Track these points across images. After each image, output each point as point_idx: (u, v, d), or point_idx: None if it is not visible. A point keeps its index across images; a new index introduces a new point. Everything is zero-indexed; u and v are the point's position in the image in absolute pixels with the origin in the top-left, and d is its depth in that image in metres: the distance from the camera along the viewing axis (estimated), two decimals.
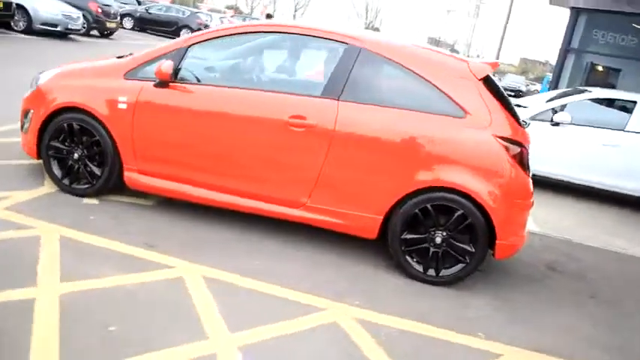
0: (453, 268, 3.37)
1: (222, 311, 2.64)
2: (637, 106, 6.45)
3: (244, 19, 30.73)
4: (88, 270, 2.80)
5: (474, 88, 3.28)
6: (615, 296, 3.85)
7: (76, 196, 3.69)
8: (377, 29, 53.17)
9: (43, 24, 12.46)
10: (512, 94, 28.30)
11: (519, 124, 3.45)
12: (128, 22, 22.23)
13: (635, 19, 11.04)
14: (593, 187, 6.50)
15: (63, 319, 2.35)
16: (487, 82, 3.40)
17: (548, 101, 7.03)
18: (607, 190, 6.49)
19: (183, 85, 3.46)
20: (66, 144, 3.66)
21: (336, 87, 3.32)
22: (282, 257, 3.38)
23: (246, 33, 3.62)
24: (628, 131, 6.34)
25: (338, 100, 3.30)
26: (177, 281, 2.87)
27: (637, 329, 3.41)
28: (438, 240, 3.32)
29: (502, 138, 3.26)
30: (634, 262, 4.75)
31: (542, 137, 6.39)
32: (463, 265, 3.34)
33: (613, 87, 11.50)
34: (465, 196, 3.23)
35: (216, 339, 2.42)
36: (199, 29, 16.73)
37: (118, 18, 17.07)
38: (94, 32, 15.95)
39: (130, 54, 3.77)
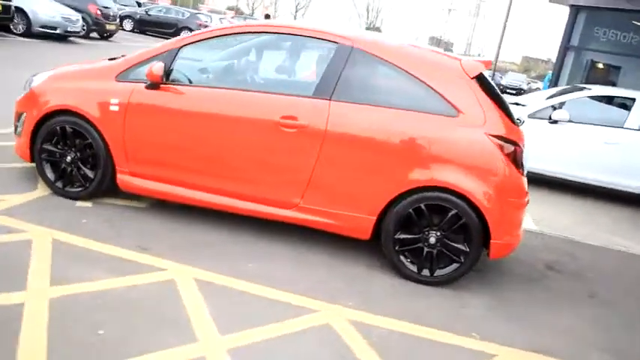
0: (448, 268, 3.34)
1: (213, 314, 2.63)
2: (636, 103, 6.42)
3: (245, 20, 30.73)
4: (79, 273, 2.78)
5: (466, 87, 3.26)
6: (615, 295, 3.82)
7: (70, 199, 3.68)
8: (378, 29, 53.16)
9: (42, 27, 12.48)
10: (514, 92, 28.24)
11: (513, 122, 3.42)
12: (128, 24, 22.27)
13: (635, 16, 10.99)
14: (591, 185, 6.47)
15: (52, 323, 2.33)
16: (480, 80, 3.37)
17: (547, 99, 7.00)
18: (605, 188, 6.46)
19: (174, 86, 3.44)
20: (59, 147, 3.65)
21: (328, 87, 3.30)
22: (275, 258, 3.37)
23: (237, 34, 3.61)
24: (627, 128, 6.30)
25: (329, 100, 3.28)
26: (168, 284, 2.85)
27: (637, 329, 3.37)
28: (432, 240, 3.29)
29: (495, 136, 3.23)
30: (634, 260, 4.72)
31: (540, 135, 6.37)
32: (458, 264, 3.32)
33: (613, 84, 11.44)
34: (459, 195, 3.21)
35: (206, 342, 2.40)
36: None
37: (118, 20, 17.09)
38: (94, 34, 15.98)
39: (123, 56, 3.76)
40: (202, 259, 3.17)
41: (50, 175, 3.70)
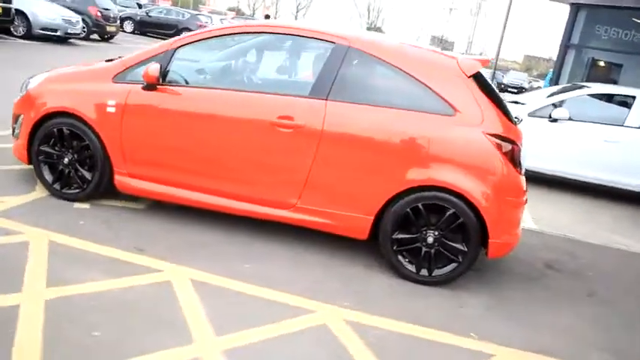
0: (446, 268, 3.33)
1: (209, 314, 2.62)
2: (636, 101, 6.39)
3: (245, 21, 30.72)
4: (75, 275, 2.78)
5: (463, 85, 3.24)
6: (615, 294, 3.80)
7: (68, 200, 3.68)
8: (379, 29, 53.11)
9: (42, 29, 12.52)
10: (515, 91, 28.19)
11: (511, 120, 3.41)
12: (129, 26, 22.31)
13: (636, 14, 10.96)
14: (591, 183, 6.45)
15: (47, 324, 2.33)
16: (477, 78, 3.36)
17: (546, 97, 6.98)
18: (605, 186, 6.44)
19: (170, 87, 3.44)
20: (56, 149, 3.65)
21: (324, 87, 3.29)
22: (272, 259, 3.36)
23: (233, 34, 3.61)
24: (627, 126, 6.28)
25: (326, 99, 3.28)
26: (164, 285, 2.84)
27: (637, 329, 3.35)
28: (430, 239, 3.28)
29: (493, 135, 3.22)
30: (634, 259, 4.70)
31: (540, 134, 6.36)
32: (456, 264, 3.31)
33: (615, 82, 11.42)
34: (456, 194, 3.19)
35: (201, 343, 2.40)
36: None
37: (118, 22, 17.12)
38: (95, 36, 16.01)
39: (119, 57, 3.75)
40: (199, 259, 3.17)
41: (48, 176, 3.70)
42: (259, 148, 3.35)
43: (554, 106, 6.48)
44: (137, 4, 26.35)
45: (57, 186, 3.69)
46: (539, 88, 29.06)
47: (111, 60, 3.82)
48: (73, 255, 3.00)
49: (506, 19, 15.32)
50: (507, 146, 3.24)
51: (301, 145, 3.29)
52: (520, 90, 28.64)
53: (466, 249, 3.26)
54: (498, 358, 2.72)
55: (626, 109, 6.45)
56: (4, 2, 11.05)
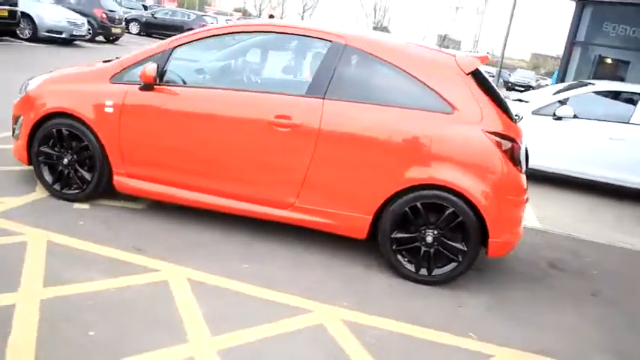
0: (446, 268, 3.30)
1: (206, 314, 2.61)
2: None
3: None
4: (72, 275, 2.78)
5: (461, 83, 3.21)
6: (619, 294, 3.75)
7: (67, 201, 3.69)
8: (385, 29, 53.00)
9: (48, 31, 12.60)
10: (522, 89, 28.00)
11: (511, 118, 3.37)
12: (134, 27, 22.41)
13: None
14: (596, 182, 6.38)
15: (42, 324, 2.33)
16: (476, 76, 3.32)
17: (552, 95, 6.91)
18: (611, 184, 6.36)
19: (167, 87, 3.44)
20: (56, 149, 3.66)
21: (321, 85, 3.27)
22: (271, 259, 3.35)
23: (230, 33, 3.59)
24: (633, 124, 6.20)
25: (323, 98, 3.26)
26: (162, 285, 2.84)
27: None
28: (429, 239, 3.25)
29: (492, 133, 3.18)
30: (639, 258, 4.63)
31: (544, 132, 6.30)
32: (456, 264, 3.27)
33: (622, 80, 11.30)
34: (455, 193, 3.16)
35: (196, 342, 2.39)
36: None
37: (124, 23, 17.21)
38: (100, 38, 16.09)
39: (117, 58, 3.76)
40: (197, 259, 3.16)
41: (48, 177, 3.71)
42: (257, 148, 3.33)
43: (560, 103, 6.41)
44: (143, 5, 26.50)
45: (57, 186, 3.70)
46: (546, 86, 28.88)
47: (108, 61, 3.83)
48: (72, 255, 3.01)
49: (512, 17, 15.21)
50: (507, 144, 3.20)
51: (299, 144, 3.27)
52: (527, 88, 28.42)
53: (466, 248, 3.23)
54: (497, 359, 2.69)
55: (631, 107, 6.37)
56: (10, 5, 11.13)
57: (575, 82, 8.74)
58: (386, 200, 3.25)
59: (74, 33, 13.30)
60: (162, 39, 3.99)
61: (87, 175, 3.64)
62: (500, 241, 3.26)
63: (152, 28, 22.39)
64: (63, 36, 12.99)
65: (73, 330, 2.34)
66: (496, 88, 3.53)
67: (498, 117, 3.25)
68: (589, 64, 11.98)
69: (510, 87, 30.47)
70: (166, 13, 23.55)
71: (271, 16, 25.42)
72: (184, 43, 3.48)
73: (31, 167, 3.79)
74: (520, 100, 7.21)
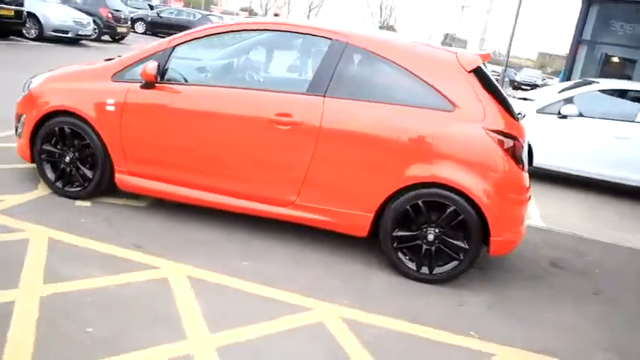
0: (447, 266, 3.28)
1: (205, 312, 2.61)
2: None
3: None
4: (72, 272, 2.79)
5: (463, 81, 3.19)
6: (621, 293, 3.72)
7: (70, 198, 3.71)
8: (392, 28, 52.86)
9: (54, 31, 12.69)
10: (529, 88, 27.85)
11: (513, 116, 3.34)
12: (140, 27, 22.51)
13: None
14: (600, 180, 6.34)
15: (41, 320, 2.34)
16: (478, 73, 3.30)
17: (557, 93, 6.87)
18: (616, 183, 6.32)
19: (168, 85, 3.44)
20: (58, 147, 3.68)
21: (322, 83, 3.26)
22: (271, 256, 3.34)
23: (230, 32, 3.59)
24: (638, 122, 6.15)
25: (324, 96, 3.25)
26: (161, 282, 2.84)
27: None
28: (431, 237, 3.24)
29: (494, 131, 3.16)
30: None
31: (549, 130, 6.26)
32: (457, 262, 3.26)
33: (629, 78, 11.21)
34: (457, 191, 3.14)
35: (195, 339, 2.39)
36: None
37: (129, 23, 17.28)
38: (106, 37, 16.17)
39: (119, 56, 3.77)
40: (197, 257, 3.16)
41: (50, 175, 3.73)
42: (257, 146, 3.33)
43: (566, 101, 6.37)
44: (149, 5, 26.58)
45: (59, 184, 3.71)
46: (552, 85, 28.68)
47: (110, 59, 3.84)
48: (72, 252, 3.02)
49: (517, 16, 15.12)
50: (509, 142, 3.18)
51: (299, 142, 3.26)
52: (534, 87, 28.27)
53: (467, 247, 3.21)
54: (498, 358, 2.67)
55: (637, 105, 6.32)
56: (16, 5, 11.20)
57: (580, 80, 8.67)
58: (387, 198, 3.24)
59: (80, 32, 13.38)
60: None
61: (89, 173, 3.65)
62: (502, 239, 3.24)
63: (158, 28, 22.46)
64: (69, 35, 13.06)
65: (71, 326, 2.34)
66: (498, 85, 3.50)
67: (500, 115, 3.23)
68: (595, 63, 11.89)
69: (516, 86, 30.33)
70: (172, 13, 23.63)
71: (276, 15, 25.45)
72: (185, 42, 3.48)
73: (34, 165, 3.81)
74: (525, 99, 7.17)
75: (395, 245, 3.30)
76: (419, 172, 3.16)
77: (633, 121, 6.16)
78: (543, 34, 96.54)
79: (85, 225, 3.38)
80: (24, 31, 12.22)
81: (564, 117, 6.23)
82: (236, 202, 3.44)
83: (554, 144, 6.22)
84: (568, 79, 11.16)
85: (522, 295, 3.40)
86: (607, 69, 11.71)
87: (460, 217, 3.17)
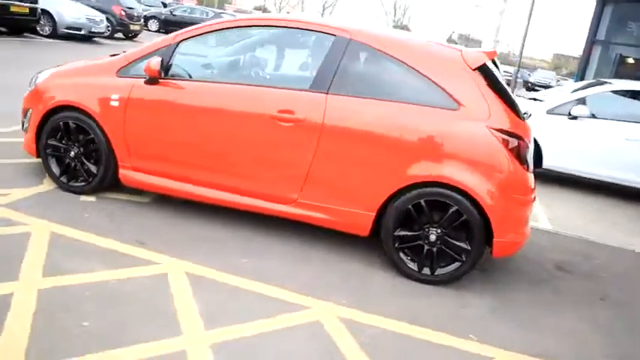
0: (449, 267, 3.24)
1: (202, 308, 2.61)
2: None
3: None
4: (72, 266, 2.81)
5: (467, 78, 3.15)
6: (627, 298, 3.64)
7: (74, 193, 3.73)
8: (406, 27, 52.63)
9: (67, 28, 12.83)
10: (543, 89, 27.53)
11: (519, 115, 3.29)
12: (154, 24, 22.67)
13: None
14: (610, 183, 6.24)
15: (38, 313, 2.35)
16: (483, 71, 3.25)
17: (567, 94, 6.76)
18: (627, 186, 6.21)
19: (172, 81, 3.44)
20: (63, 142, 3.70)
21: (325, 80, 3.24)
22: (271, 254, 3.33)
23: (234, 27, 3.59)
24: None
25: (327, 93, 3.22)
26: (160, 278, 2.84)
27: None
28: (433, 237, 3.20)
29: (498, 130, 3.11)
30: None
31: (559, 131, 6.17)
32: (459, 263, 3.22)
33: None
34: (459, 191, 3.10)
35: (190, 336, 2.38)
36: None
37: (142, 20, 17.40)
38: (119, 35, 16.30)
39: (124, 52, 3.78)
40: (198, 253, 3.16)
41: (55, 169, 3.75)
42: (260, 142, 3.32)
43: (576, 102, 6.27)
44: (162, 3, 26.76)
45: (64, 179, 3.74)
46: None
47: (115, 55, 3.86)
48: (74, 246, 3.03)
49: (530, 17, 14.94)
50: (514, 142, 3.13)
51: (302, 139, 3.24)
52: (547, 88, 27.96)
53: (470, 248, 3.17)
54: None
55: None
56: (30, 2, 11.34)
57: (593, 80, 8.54)
58: (389, 197, 3.21)
59: (93, 30, 13.50)
60: None
61: (93, 168, 3.67)
62: (506, 241, 3.19)
63: (171, 26, 22.53)
64: (82, 33, 13.19)
65: (68, 320, 2.35)
66: (504, 84, 3.44)
67: (505, 114, 3.18)
68: (609, 64, 11.70)
69: (530, 87, 29.99)
70: (185, 11, 23.77)
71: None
72: (189, 37, 3.48)
73: (40, 160, 3.84)
74: (534, 99, 7.07)
75: (396, 245, 3.27)
76: (421, 171, 3.13)
77: None
78: (559, 35, 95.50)
79: (88, 220, 3.39)
80: (38, 29, 12.37)
81: (575, 118, 6.14)
82: (238, 199, 3.44)
83: (564, 145, 6.13)
84: (581, 80, 11.01)
85: (525, 299, 3.34)
86: (622, 70, 11.53)
87: (463, 218, 3.13)
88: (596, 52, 11.25)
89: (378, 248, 3.47)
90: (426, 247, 3.23)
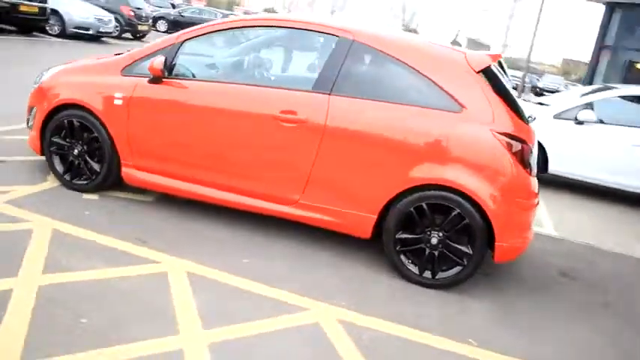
0: (450, 271, 3.22)
1: (200, 308, 2.60)
2: None
3: None
4: (73, 263, 2.81)
5: (471, 81, 3.13)
6: (631, 307, 3.60)
7: (77, 191, 3.74)
8: (414, 30, 52.62)
9: (76, 27, 12.93)
10: (551, 94, 27.39)
11: (522, 119, 3.27)
12: (162, 25, 22.79)
13: None
14: (617, 189, 6.18)
15: (36, 310, 2.35)
16: (487, 74, 3.23)
17: (574, 99, 6.71)
18: (634, 193, 6.15)
19: (175, 80, 3.45)
20: (67, 140, 3.72)
21: (328, 81, 3.23)
22: (272, 255, 3.32)
23: (237, 28, 3.59)
24: None
25: (329, 94, 3.22)
26: (160, 277, 2.84)
27: None
28: (434, 241, 3.18)
29: (502, 133, 3.09)
30: None
31: (565, 136, 6.12)
32: (460, 267, 3.19)
33: None
34: (461, 194, 3.08)
35: (187, 335, 2.38)
36: None
37: (150, 21, 17.51)
38: (127, 35, 16.40)
39: (128, 51, 3.80)
40: (199, 253, 3.16)
41: (59, 167, 3.77)
42: (262, 143, 3.32)
43: (583, 107, 6.22)
44: (171, 4, 26.92)
45: (67, 177, 3.76)
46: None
47: (120, 54, 3.87)
48: (75, 244, 3.04)
49: (538, 22, 14.88)
50: (517, 146, 3.11)
51: (304, 140, 3.24)
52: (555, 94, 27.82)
53: (471, 251, 3.15)
54: None
55: None
56: (39, 2, 11.44)
57: (601, 85, 8.47)
58: (391, 199, 3.19)
59: (101, 30, 13.59)
60: None
61: (96, 167, 3.69)
62: (508, 245, 3.16)
63: (179, 27, 22.59)
64: (90, 32, 13.29)
65: (66, 316, 2.35)
66: (508, 87, 3.42)
67: (509, 117, 3.16)
68: (618, 69, 11.62)
69: (538, 92, 29.84)
70: (194, 12, 23.90)
71: None
72: (193, 37, 3.49)
73: (44, 157, 3.86)
74: (541, 104, 7.03)
75: (398, 248, 3.25)
76: (423, 173, 3.11)
77: None
78: (568, 40, 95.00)
79: (91, 218, 3.40)
80: (47, 28, 12.47)
81: (581, 123, 6.09)
82: (240, 200, 3.43)
83: (570, 151, 6.08)
84: (589, 85, 10.94)
85: (527, 304, 3.31)
86: (630, 75, 11.44)
87: (465, 221, 3.10)
88: (605, 57, 11.18)
89: (379, 251, 3.45)
90: (428, 251, 3.21)
